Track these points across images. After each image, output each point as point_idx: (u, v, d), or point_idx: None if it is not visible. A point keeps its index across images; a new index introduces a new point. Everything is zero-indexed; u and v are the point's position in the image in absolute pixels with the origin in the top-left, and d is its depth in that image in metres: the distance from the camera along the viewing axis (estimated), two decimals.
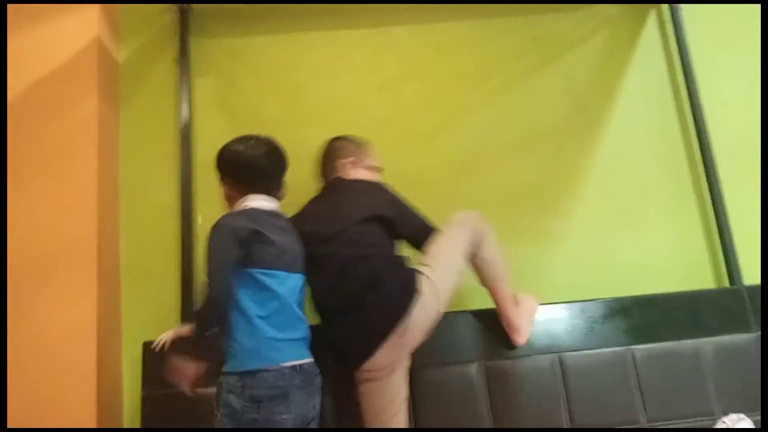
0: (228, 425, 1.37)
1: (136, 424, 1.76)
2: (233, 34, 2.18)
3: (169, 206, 1.99)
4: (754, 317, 1.86)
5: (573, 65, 2.22)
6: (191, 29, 2.13)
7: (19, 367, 1.66)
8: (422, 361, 1.65)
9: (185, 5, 2.11)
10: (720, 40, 2.27)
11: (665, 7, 2.27)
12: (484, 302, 1.78)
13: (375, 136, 1.89)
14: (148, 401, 1.70)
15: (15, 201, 1.79)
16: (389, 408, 1.51)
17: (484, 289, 1.74)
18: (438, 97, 2.17)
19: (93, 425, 1.65)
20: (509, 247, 1.73)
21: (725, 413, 1.72)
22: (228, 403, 1.37)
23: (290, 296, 1.48)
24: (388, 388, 1.52)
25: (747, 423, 1.67)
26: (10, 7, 1.90)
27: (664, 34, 2.27)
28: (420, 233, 1.63)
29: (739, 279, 1.98)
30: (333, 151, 1.78)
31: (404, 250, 1.65)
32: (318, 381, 1.50)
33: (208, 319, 1.43)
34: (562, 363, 1.76)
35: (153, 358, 1.72)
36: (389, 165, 1.87)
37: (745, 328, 1.84)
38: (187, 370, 1.45)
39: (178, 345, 1.49)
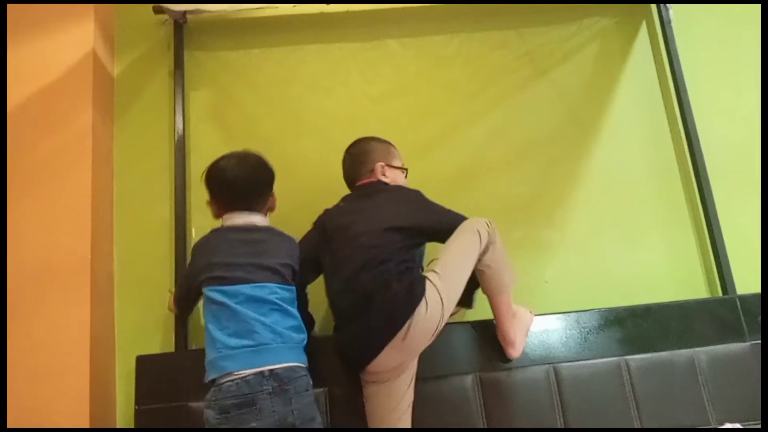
0: None
1: None
2: (228, 48, 2.19)
3: (163, 219, 1.99)
4: (748, 326, 1.87)
5: (566, 78, 2.24)
6: (186, 42, 2.14)
7: (11, 380, 1.64)
8: (417, 373, 1.64)
9: (180, 20, 2.12)
10: (711, 52, 2.30)
11: (656, 19, 2.30)
12: (479, 314, 1.78)
13: None
14: (141, 415, 1.68)
15: (9, 213, 1.78)
16: (394, 412, 1.53)
17: (478, 301, 1.75)
18: (432, 110, 2.18)
19: None
20: None
21: (720, 422, 1.72)
22: (207, 418, 1.40)
23: (248, 306, 1.47)
24: (394, 391, 1.54)
25: None
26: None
27: (656, 46, 2.30)
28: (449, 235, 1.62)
29: (733, 288, 1.99)
30: (367, 154, 1.78)
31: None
32: (302, 384, 1.47)
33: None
34: (557, 373, 1.76)
35: (146, 372, 1.71)
36: None
37: (739, 337, 1.85)
38: None
39: None
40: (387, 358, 1.48)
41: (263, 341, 1.45)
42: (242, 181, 1.61)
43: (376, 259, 1.51)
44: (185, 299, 1.66)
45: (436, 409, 1.68)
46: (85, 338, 1.72)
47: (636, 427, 1.72)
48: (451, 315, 1.65)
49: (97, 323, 1.78)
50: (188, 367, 1.70)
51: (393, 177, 1.76)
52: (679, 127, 2.20)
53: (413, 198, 1.70)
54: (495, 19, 2.27)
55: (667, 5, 2.27)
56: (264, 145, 2.08)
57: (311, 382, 1.50)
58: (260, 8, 2.15)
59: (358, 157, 1.79)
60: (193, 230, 1.98)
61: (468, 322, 1.81)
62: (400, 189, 1.73)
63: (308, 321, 1.63)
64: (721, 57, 2.30)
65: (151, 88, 2.13)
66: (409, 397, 1.57)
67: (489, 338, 1.70)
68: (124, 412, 1.82)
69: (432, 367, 1.71)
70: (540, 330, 1.81)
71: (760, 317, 1.87)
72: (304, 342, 1.53)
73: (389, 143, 1.84)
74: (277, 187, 1.91)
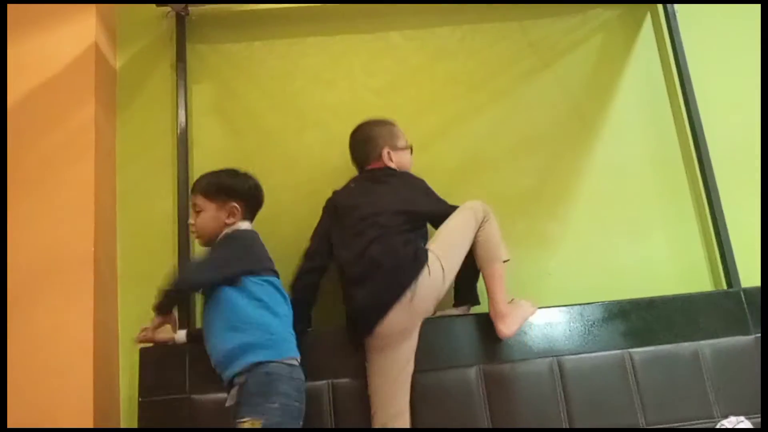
0: (282, 417, 1.40)
1: None
2: (230, 40, 2.19)
3: (166, 212, 1.99)
4: (753, 319, 1.86)
5: (569, 70, 2.22)
6: (188, 35, 2.13)
7: (15, 375, 1.65)
8: (420, 365, 1.65)
9: (182, 12, 2.12)
10: (716, 45, 2.28)
11: (661, 12, 2.28)
12: (483, 307, 1.78)
13: None
14: (145, 408, 1.68)
15: (12, 207, 1.78)
16: (396, 381, 1.61)
17: (480, 293, 1.75)
18: (434, 102, 2.17)
19: None
20: None
21: (725, 416, 1.71)
22: (282, 391, 1.42)
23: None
24: (398, 358, 1.62)
25: (747, 426, 1.66)
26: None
27: (660, 38, 2.28)
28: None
29: (737, 281, 1.98)
30: (374, 140, 1.87)
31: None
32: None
33: (173, 300, 1.60)
34: (560, 366, 1.75)
35: (150, 366, 1.71)
36: None
37: (743, 330, 1.84)
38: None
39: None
40: (395, 318, 1.58)
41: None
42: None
43: (384, 235, 1.66)
44: (219, 281, 1.57)
45: (439, 401, 1.68)
46: (89, 332, 1.72)
47: (639, 420, 1.71)
48: (457, 315, 1.79)
49: (101, 317, 1.78)
50: (192, 359, 1.70)
51: (398, 160, 1.86)
52: (683, 120, 2.18)
53: (418, 185, 1.83)
54: (497, 11, 2.26)
55: None
56: (266, 138, 2.10)
57: None
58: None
59: (365, 143, 1.88)
60: None
61: (472, 314, 1.81)
62: (407, 176, 1.85)
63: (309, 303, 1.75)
64: (726, 49, 2.28)
65: (153, 81, 2.13)
66: (410, 367, 1.64)
67: (492, 331, 1.69)
68: (128, 405, 1.83)
69: (435, 358, 1.71)
70: (543, 322, 1.80)
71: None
72: None
73: (391, 124, 1.90)
74: (279, 179, 1.91)
